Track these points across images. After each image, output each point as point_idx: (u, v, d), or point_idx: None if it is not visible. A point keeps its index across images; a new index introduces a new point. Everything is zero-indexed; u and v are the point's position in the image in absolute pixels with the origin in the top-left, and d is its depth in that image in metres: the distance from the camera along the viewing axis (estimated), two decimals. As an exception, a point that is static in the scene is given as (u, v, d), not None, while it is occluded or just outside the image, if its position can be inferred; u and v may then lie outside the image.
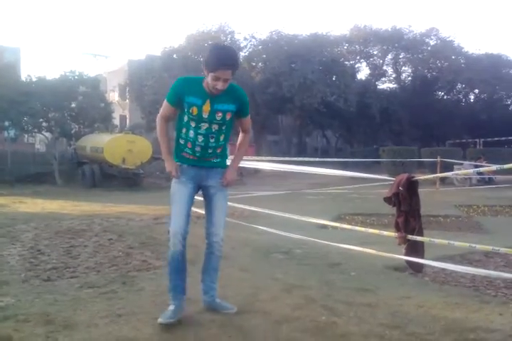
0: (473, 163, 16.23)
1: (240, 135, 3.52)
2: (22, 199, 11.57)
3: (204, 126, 3.21)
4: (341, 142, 41.24)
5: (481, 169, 4.13)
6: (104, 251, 5.56)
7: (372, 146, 32.15)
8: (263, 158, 9.49)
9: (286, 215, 5.46)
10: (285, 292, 3.97)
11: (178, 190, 3.37)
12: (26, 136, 24.98)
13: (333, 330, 3.09)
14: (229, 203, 6.79)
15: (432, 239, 3.97)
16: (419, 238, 3.94)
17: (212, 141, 3.27)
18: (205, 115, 3.17)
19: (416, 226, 3.89)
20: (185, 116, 3.24)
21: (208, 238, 3.58)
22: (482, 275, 4.50)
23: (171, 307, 3.21)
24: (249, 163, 7.88)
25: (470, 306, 3.64)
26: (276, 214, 5.70)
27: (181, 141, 3.32)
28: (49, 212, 9.28)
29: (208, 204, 3.51)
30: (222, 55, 2.98)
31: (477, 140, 26.62)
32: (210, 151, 3.30)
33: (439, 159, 13.23)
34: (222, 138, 3.32)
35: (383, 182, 10.03)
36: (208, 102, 3.15)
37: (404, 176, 4.02)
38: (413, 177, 3.96)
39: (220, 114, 3.20)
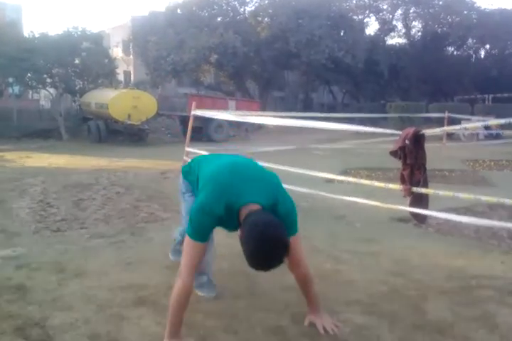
0: (481, 118, 16.04)
1: (292, 271, 2.50)
2: (29, 154, 11.62)
3: None
4: (348, 98, 40.71)
5: (489, 122, 4.08)
6: (112, 204, 5.64)
7: (380, 102, 31.75)
8: (268, 113, 9.39)
9: (292, 170, 5.47)
10: (291, 242, 4.04)
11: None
12: (31, 92, 24.86)
13: (338, 277, 3.17)
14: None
15: (437, 191, 3.99)
16: (423, 190, 3.96)
17: None
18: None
19: (421, 178, 3.91)
20: None
21: None
22: (486, 226, 4.56)
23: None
24: (254, 119, 7.84)
25: (473, 255, 3.71)
26: (282, 168, 5.71)
27: None
28: (56, 167, 9.34)
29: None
30: (262, 265, 2.08)
31: (486, 96, 26.18)
32: None
33: (446, 114, 13.08)
34: None
35: (389, 137, 9.99)
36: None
37: (411, 130, 4.00)
38: (420, 131, 3.94)
39: None
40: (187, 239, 2.26)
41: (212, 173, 2.38)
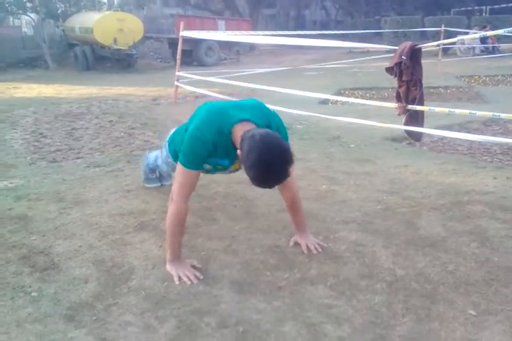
0: (477, 31, 15.58)
1: (281, 191, 2.49)
2: (16, 85, 11.36)
3: (227, 172, 2.55)
4: (341, 14, 39.22)
5: (488, 33, 3.94)
6: (106, 133, 5.60)
7: (374, 17, 30.65)
8: (259, 32, 9.07)
9: (286, 91, 5.39)
10: (286, 165, 4.07)
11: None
12: (11, 18, 23.77)
13: (334, 197, 3.23)
14: (226, 81, 6.72)
15: (432, 108, 3.96)
16: (419, 107, 3.93)
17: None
18: (232, 169, 2.48)
19: (417, 95, 3.86)
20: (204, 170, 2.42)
21: None
22: (479, 143, 4.60)
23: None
24: (245, 38, 7.59)
25: (465, 172, 3.76)
26: (276, 90, 5.62)
27: None
28: (46, 97, 9.16)
29: None
30: (271, 178, 1.99)
31: (483, 7, 25.21)
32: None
33: (442, 28, 12.69)
34: None
35: (384, 54, 9.75)
36: (238, 162, 2.29)
37: (407, 44, 3.88)
38: (416, 45, 3.82)
39: None
40: (179, 167, 2.22)
41: (201, 107, 2.31)
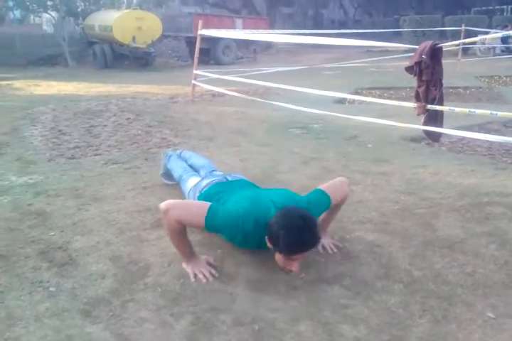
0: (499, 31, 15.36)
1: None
2: (37, 82, 11.48)
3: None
4: (360, 13, 38.99)
5: (511, 32, 3.88)
6: (123, 130, 5.64)
7: (393, 17, 30.41)
8: (277, 31, 9.05)
9: (303, 90, 5.37)
10: (303, 164, 4.07)
11: None
12: (32, 16, 24.05)
13: (350, 197, 3.19)
14: (243, 80, 6.73)
15: (452, 108, 3.92)
16: (438, 107, 3.88)
17: None
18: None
19: (437, 95, 3.82)
20: None
21: None
22: (499, 143, 4.54)
23: None
24: (262, 37, 7.58)
25: (485, 173, 3.71)
26: (293, 89, 5.60)
27: None
28: (65, 94, 9.25)
29: None
30: (303, 239, 1.98)
31: (505, 7, 24.87)
32: None
33: (463, 28, 12.54)
34: None
35: (403, 53, 9.67)
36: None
37: (427, 44, 3.84)
38: (437, 44, 3.78)
39: None
40: (202, 212, 2.13)
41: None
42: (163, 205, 2.18)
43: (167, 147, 4.67)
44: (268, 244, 2.08)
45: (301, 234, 1.97)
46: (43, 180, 3.69)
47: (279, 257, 2.07)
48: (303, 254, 2.05)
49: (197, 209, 2.19)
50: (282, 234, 1.97)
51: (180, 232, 2.21)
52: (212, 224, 2.13)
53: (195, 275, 2.22)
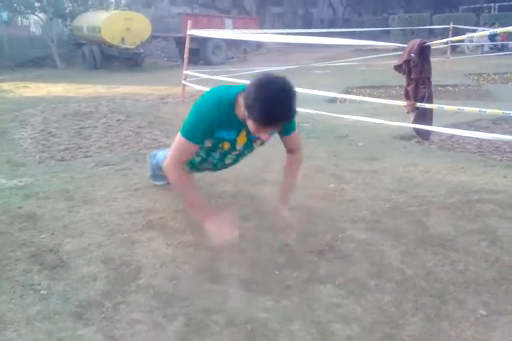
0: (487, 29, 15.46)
1: (288, 156, 2.52)
2: (25, 84, 11.40)
3: (234, 153, 2.49)
4: (349, 12, 39.09)
5: (498, 30, 3.91)
6: (114, 132, 5.62)
7: (382, 15, 30.52)
8: (266, 31, 9.05)
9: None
10: (294, 163, 4.06)
11: None
12: (20, 18, 23.87)
13: (342, 196, 3.22)
14: (234, 80, 6.71)
15: (441, 106, 3.94)
16: (428, 105, 3.90)
17: (243, 158, 2.65)
18: (239, 147, 2.42)
19: (426, 93, 3.84)
20: (204, 147, 2.40)
21: None
22: (488, 141, 4.57)
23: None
24: (252, 37, 7.58)
25: (475, 170, 3.73)
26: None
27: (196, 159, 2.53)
28: (54, 96, 9.20)
29: None
30: (277, 111, 1.91)
31: (492, 4, 25.03)
32: (237, 162, 2.70)
33: (451, 26, 12.62)
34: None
35: (392, 52, 9.72)
36: (243, 133, 2.32)
37: (416, 42, 3.87)
38: (425, 42, 3.80)
39: (259, 142, 2.44)
40: (179, 137, 2.24)
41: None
42: (164, 169, 2.29)
43: (158, 148, 4.65)
44: (243, 111, 2.04)
45: (278, 108, 1.90)
46: (32, 183, 3.67)
47: (251, 124, 2.01)
48: (274, 128, 2.07)
49: (176, 139, 2.27)
50: (258, 105, 1.90)
51: (188, 182, 2.26)
52: (189, 132, 2.20)
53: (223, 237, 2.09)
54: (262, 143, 2.46)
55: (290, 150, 2.49)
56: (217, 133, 2.28)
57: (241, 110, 2.08)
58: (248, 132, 2.21)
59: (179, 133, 2.25)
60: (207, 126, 2.20)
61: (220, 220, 2.14)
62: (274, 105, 1.88)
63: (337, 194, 3.26)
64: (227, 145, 2.38)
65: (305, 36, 5.59)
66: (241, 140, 2.36)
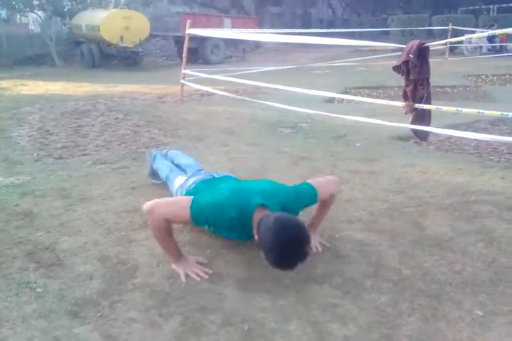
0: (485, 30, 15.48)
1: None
2: (23, 82, 11.37)
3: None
4: (348, 12, 39.14)
5: (497, 31, 3.91)
6: (111, 130, 5.60)
7: (381, 16, 30.55)
8: (265, 30, 9.03)
9: (292, 90, 5.37)
10: (292, 164, 4.07)
11: None
12: (18, 16, 23.83)
13: (339, 196, 3.21)
14: (232, 79, 6.71)
15: (439, 107, 3.94)
16: (426, 106, 3.90)
17: None
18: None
19: (424, 94, 3.84)
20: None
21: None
22: (486, 142, 4.57)
23: None
24: (251, 36, 7.57)
25: (473, 171, 3.74)
26: (282, 88, 5.59)
27: None
28: (52, 94, 9.18)
29: None
30: (292, 261, 1.95)
31: (491, 6, 25.05)
32: None
33: (450, 27, 12.63)
34: None
35: (391, 53, 9.71)
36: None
37: (415, 43, 3.85)
38: (424, 43, 3.80)
39: None
40: (185, 204, 2.15)
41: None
42: (146, 206, 2.17)
43: (156, 147, 4.65)
44: (256, 241, 2.05)
45: (293, 258, 1.92)
46: (30, 181, 3.66)
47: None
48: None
49: (181, 202, 2.21)
50: (274, 255, 1.92)
51: (166, 231, 2.19)
52: (197, 213, 2.13)
53: (187, 275, 2.20)
54: None
55: (322, 202, 2.46)
56: (229, 235, 2.35)
57: (255, 225, 2.05)
58: None
59: (188, 200, 2.17)
60: (217, 224, 2.21)
61: (187, 264, 2.25)
62: (289, 256, 1.91)
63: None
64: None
65: (304, 36, 5.58)
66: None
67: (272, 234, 1.90)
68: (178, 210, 2.17)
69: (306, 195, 2.32)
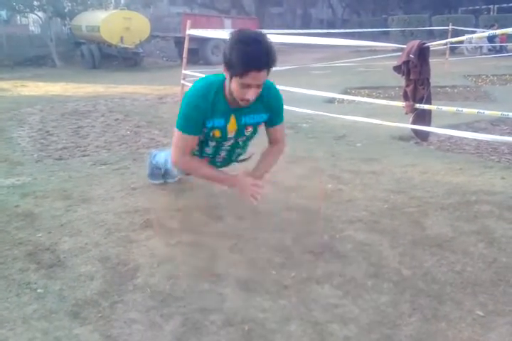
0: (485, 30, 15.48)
1: (268, 146, 2.68)
2: (24, 83, 11.39)
3: (228, 143, 2.54)
4: (348, 13, 39.13)
5: (497, 31, 3.91)
6: (112, 131, 5.61)
7: (381, 16, 30.55)
8: (265, 31, 9.03)
9: (292, 90, 5.37)
10: (293, 164, 4.06)
11: None
12: (19, 16, 23.87)
13: (340, 196, 3.21)
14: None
15: (440, 107, 3.94)
16: (426, 106, 3.90)
17: (238, 151, 2.71)
18: (230, 135, 2.46)
19: (424, 94, 3.84)
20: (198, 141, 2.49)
21: None
22: (486, 142, 4.57)
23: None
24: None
25: (473, 171, 3.74)
26: (282, 88, 5.58)
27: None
28: (53, 95, 9.19)
29: None
30: (253, 53, 1.98)
31: (491, 6, 25.06)
32: (233, 159, 2.79)
33: (450, 27, 12.63)
34: (250, 143, 2.70)
35: (391, 53, 9.72)
36: (232, 119, 2.36)
37: (415, 43, 3.86)
38: (424, 43, 3.80)
39: (250, 129, 2.49)
40: (177, 133, 2.34)
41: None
42: (172, 162, 2.49)
43: (156, 147, 4.65)
44: (225, 74, 2.15)
45: (254, 47, 1.99)
46: (30, 181, 3.66)
47: (234, 85, 2.12)
48: (257, 76, 2.06)
49: (175, 135, 2.39)
50: (235, 53, 2.01)
51: (198, 162, 2.46)
52: (183, 121, 2.30)
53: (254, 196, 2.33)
54: (254, 131, 2.54)
55: (272, 142, 2.64)
56: (208, 123, 2.35)
57: (229, 91, 2.19)
58: (237, 116, 2.35)
59: (177, 130, 2.32)
60: (200, 113, 2.28)
61: (244, 180, 2.38)
62: (250, 47, 1.99)
63: (335, 194, 3.26)
64: (218, 134, 2.43)
65: (304, 36, 5.57)
66: (231, 127, 2.42)
67: (231, 42, 2.03)
68: (177, 140, 2.37)
69: (278, 107, 2.52)
